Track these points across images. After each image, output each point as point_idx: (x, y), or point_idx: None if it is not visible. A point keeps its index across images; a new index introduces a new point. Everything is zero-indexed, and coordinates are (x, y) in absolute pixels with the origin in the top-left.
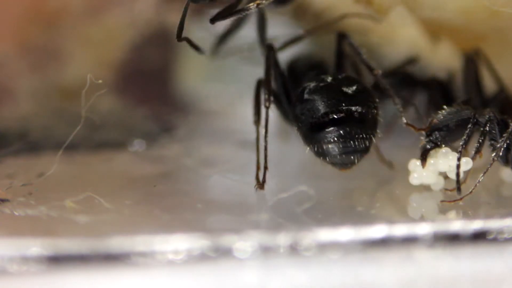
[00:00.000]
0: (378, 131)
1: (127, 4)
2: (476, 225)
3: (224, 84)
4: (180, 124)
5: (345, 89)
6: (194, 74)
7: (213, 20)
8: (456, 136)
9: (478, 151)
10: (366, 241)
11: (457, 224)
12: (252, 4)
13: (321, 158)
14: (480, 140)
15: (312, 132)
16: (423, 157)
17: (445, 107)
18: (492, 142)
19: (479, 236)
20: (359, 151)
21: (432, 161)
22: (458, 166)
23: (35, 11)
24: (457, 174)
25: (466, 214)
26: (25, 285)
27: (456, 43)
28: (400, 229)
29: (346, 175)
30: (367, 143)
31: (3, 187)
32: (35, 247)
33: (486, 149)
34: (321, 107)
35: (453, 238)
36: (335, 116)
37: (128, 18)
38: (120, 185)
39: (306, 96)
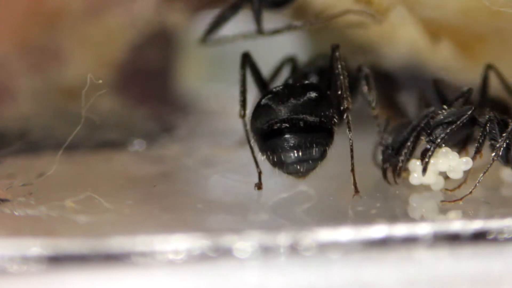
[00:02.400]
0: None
1: (127, 4)
2: (476, 225)
3: (224, 84)
4: (180, 124)
5: (295, 96)
6: (194, 74)
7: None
8: (456, 136)
9: (478, 151)
10: (366, 241)
11: (457, 224)
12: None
13: (273, 167)
14: (480, 140)
15: (262, 139)
16: (423, 157)
17: (445, 107)
18: (492, 142)
19: (479, 236)
20: (306, 161)
21: (432, 161)
22: (428, 151)
23: (35, 11)
24: (428, 156)
25: (466, 214)
26: (25, 285)
27: (456, 43)
28: (400, 229)
29: (346, 175)
30: (314, 152)
31: (3, 187)
32: (35, 247)
33: (486, 149)
34: (266, 115)
35: (453, 238)
36: (278, 125)
37: (128, 18)
38: (120, 185)
39: (261, 101)
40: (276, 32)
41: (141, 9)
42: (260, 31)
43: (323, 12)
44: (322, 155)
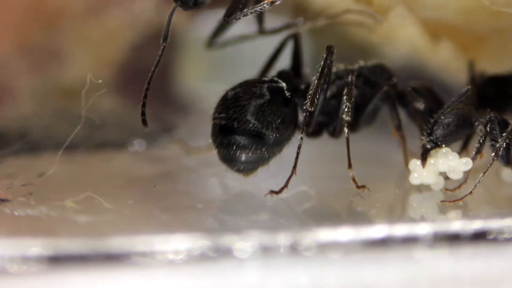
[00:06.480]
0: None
1: (127, 4)
2: (476, 225)
3: (224, 84)
4: (180, 124)
5: (250, 97)
6: (194, 74)
7: (227, 18)
8: (457, 136)
9: (478, 151)
10: (366, 241)
11: (457, 224)
12: (266, 2)
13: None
14: (481, 141)
15: (213, 130)
16: (423, 157)
17: (445, 107)
18: (493, 142)
19: (479, 236)
20: (240, 162)
21: (432, 161)
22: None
23: (35, 11)
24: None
25: (466, 214)
26: (25, 285)
27: (456, 43)
28: (400, 229)
29: (346, 175)
30: (242, 156)
31: (3, 187)
32: (35, 247)
33: (486, 149)
34: (218, 107)
35: (453, 238)
36: (224, 122)
37: (128, 18)
38: (120, 185)
39: (227, 92)
40: (276, 31)
41: (141, 9)
42: (261, 31)
43: (323, 12)
44: (256, 158)
